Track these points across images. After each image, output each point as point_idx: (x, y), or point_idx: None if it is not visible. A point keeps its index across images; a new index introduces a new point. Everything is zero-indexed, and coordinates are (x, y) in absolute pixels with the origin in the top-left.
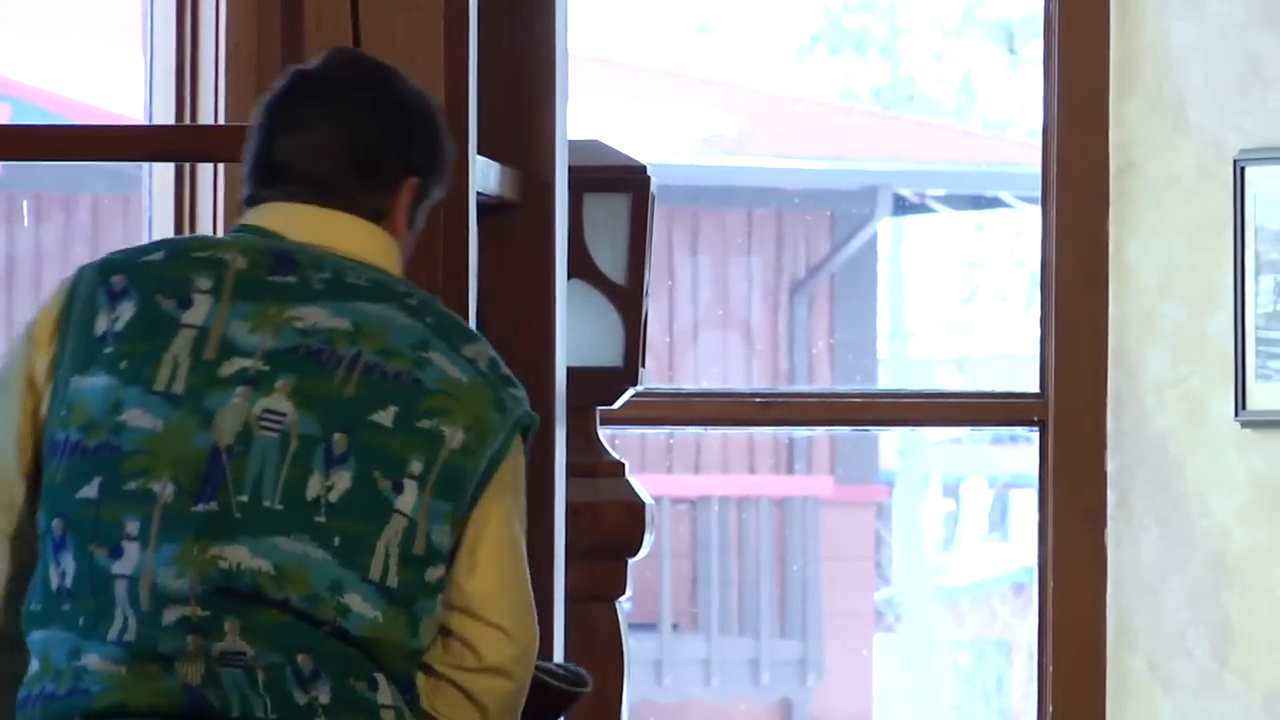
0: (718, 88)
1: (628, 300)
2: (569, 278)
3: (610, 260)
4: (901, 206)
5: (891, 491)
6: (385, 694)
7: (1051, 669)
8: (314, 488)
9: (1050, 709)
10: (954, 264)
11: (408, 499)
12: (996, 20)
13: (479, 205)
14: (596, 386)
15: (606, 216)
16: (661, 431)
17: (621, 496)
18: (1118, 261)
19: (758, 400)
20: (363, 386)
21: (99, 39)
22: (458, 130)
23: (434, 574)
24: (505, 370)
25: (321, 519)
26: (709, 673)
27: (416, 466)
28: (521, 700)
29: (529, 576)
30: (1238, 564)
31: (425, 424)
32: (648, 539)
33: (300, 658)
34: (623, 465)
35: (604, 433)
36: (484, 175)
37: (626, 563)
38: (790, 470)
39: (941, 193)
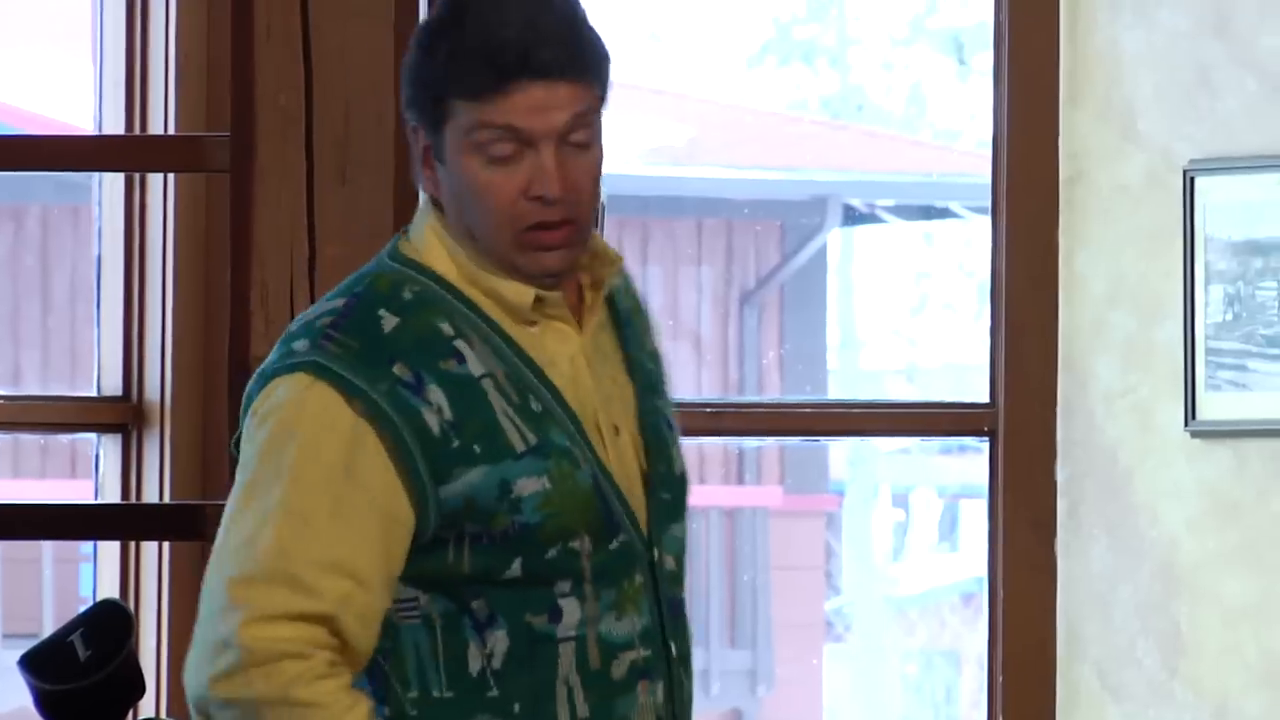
0: (667, 97)
1: None
2: None
3: None
4: (851, 217)
5: (841, 501)
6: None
7: (1001, 679)
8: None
9: (1000, 719)
10: (903, 274)
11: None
12: (946, 30)
13: None
14: None
15: None
16: None
17: None
18: (1067, 271)
19: (708, 410)
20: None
21: (47, 48)
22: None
23: None
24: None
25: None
26: None
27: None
28: None
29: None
30: (1187, 574)
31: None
32: None
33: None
34: None
35: None
36: None
37: None
38: (740, 480)
39: (891, 203)
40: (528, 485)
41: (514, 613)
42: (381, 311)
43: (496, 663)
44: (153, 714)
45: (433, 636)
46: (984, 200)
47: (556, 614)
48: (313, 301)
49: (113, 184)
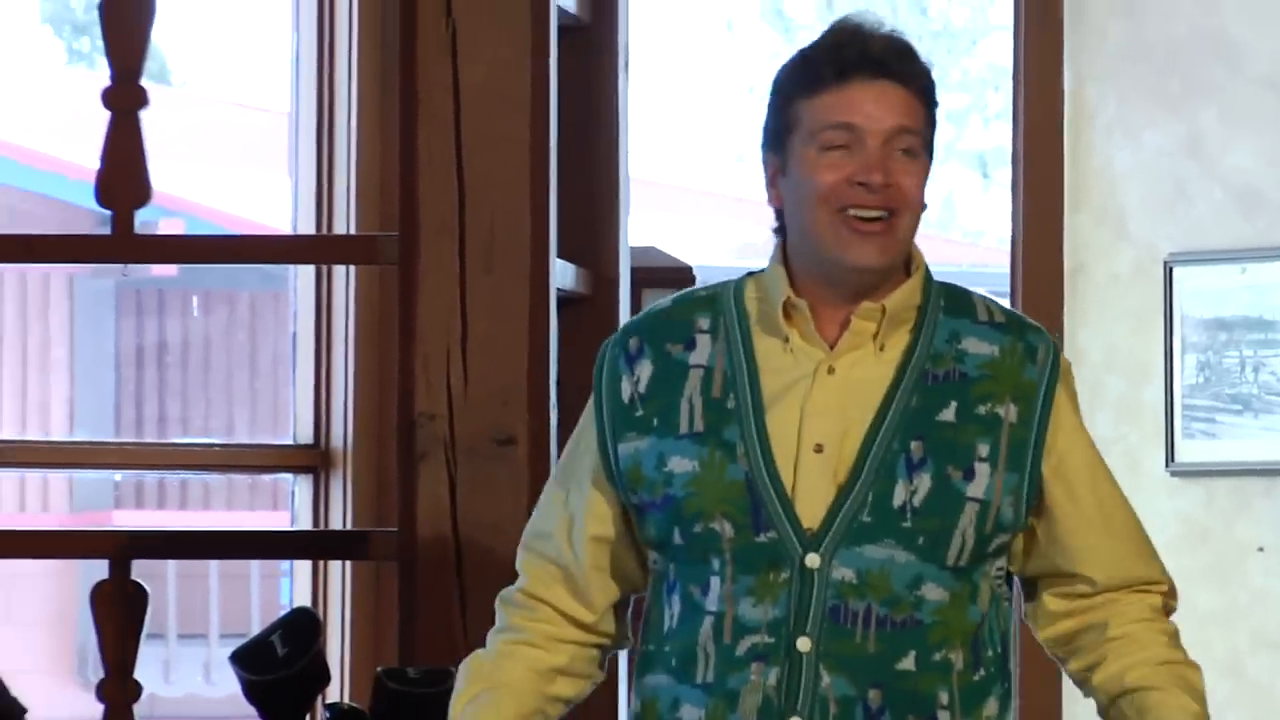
0: (750, 204)
1: None
2: None
3: None
4: None
5: None
6: None
7: (1018, 671)
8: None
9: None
10: None
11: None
12: (972, 151)
13: (558, 299)
14: None
15: None
16: None
17: None
18: (1071, 343)
19: None
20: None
21: (253, 166)
22: (540, 239)
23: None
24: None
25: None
26: None
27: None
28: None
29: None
30: None
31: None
32: None
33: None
34: None
35: None
36: (562, 274)
37: None
38: None
39: None
40: (681, 464)
41: (683, 581)
42: (671, 299)
43: (674, 624)
44: (336, 699)
45: (651, 597)
46: (1004, 287)
47: (706, 588)
48: (465, 368)
49: (306, 274)
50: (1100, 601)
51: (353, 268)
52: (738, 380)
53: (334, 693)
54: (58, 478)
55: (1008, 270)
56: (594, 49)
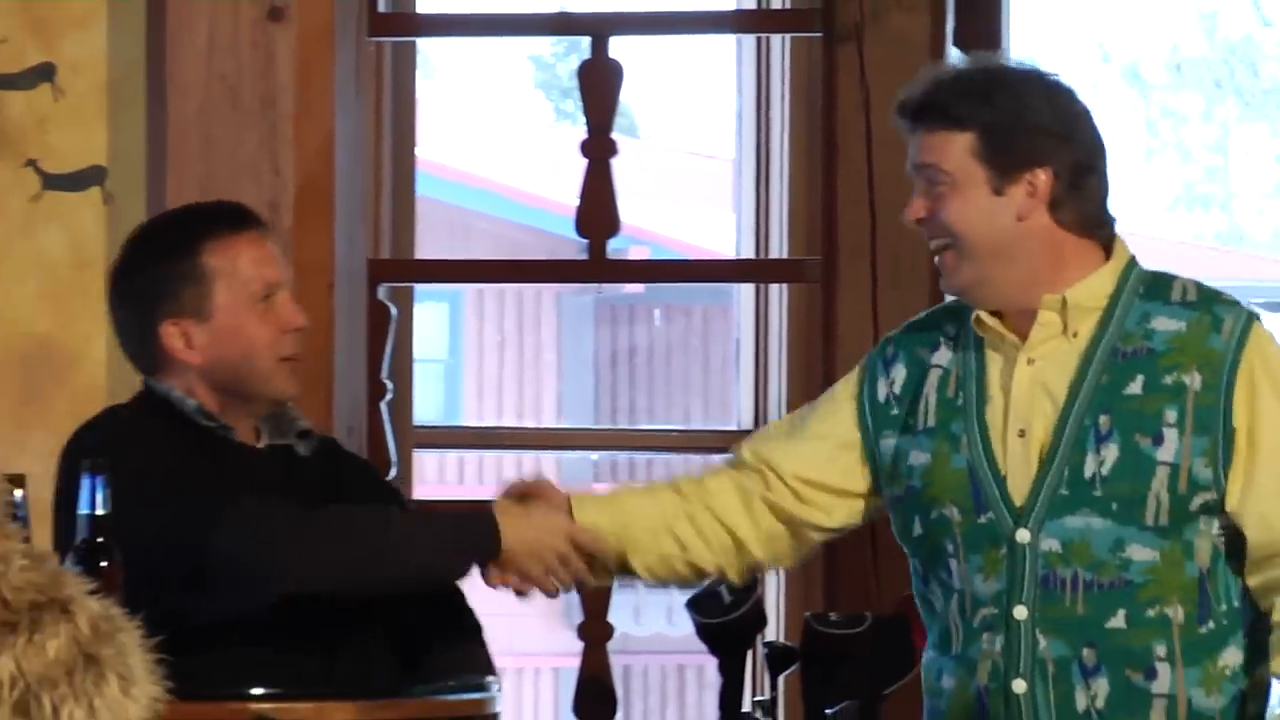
0: None
1: None
2: None
3: None
4: None
5: None
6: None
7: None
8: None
9: None
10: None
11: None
12: None
13: None
14: None
15: None
16: None
17: None
18: None
19: None
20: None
21: (705, 202)
22: None
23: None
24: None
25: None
26: None
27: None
28: None
29: None
30: None
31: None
32: None
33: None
34: None
35: None
36: None
37: None
38: None
39: (1263, 300)
40: (918, 457)
41: (932, 567)
42: (928, 310)
43: (937, 606)
44: (773, 639)
45: (917, 593)
46: None
47: (949, 570)
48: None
49: (747, 291)
50: (1263, 563)
51: (785, 285)
52: (966, 379)
53: (770, 634)
54: (548, 458)
55: None
56: None
